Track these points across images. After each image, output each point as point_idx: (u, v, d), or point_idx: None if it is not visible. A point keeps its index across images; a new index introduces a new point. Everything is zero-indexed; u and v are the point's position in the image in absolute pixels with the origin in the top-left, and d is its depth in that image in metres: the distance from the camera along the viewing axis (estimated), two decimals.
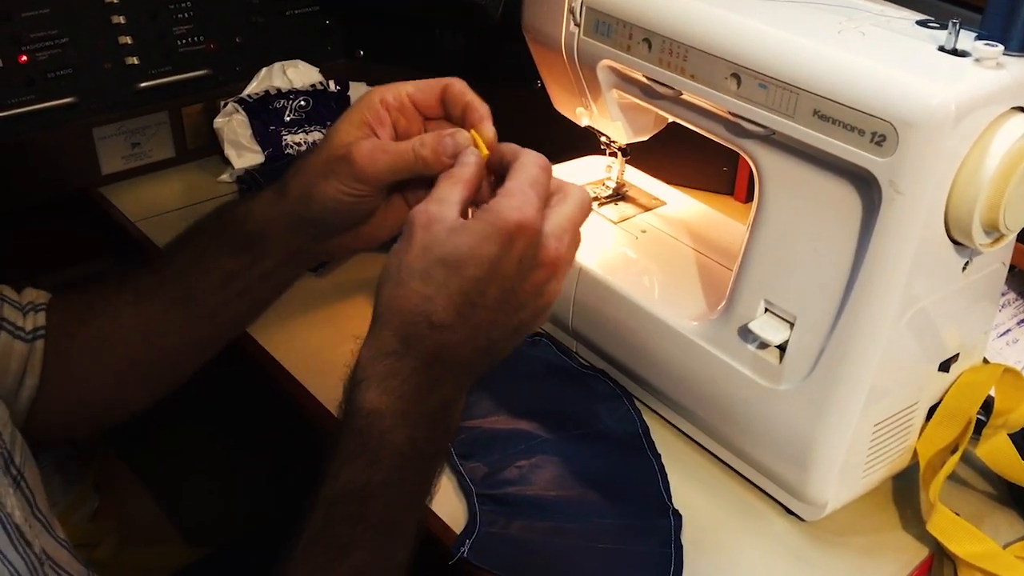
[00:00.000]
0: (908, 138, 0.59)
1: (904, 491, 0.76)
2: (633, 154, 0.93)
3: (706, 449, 0.79)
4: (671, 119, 0.81)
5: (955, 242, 0.65)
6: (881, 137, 0.60)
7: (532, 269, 0.51)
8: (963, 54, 0.62)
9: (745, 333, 0.72)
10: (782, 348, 0.70)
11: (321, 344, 0.88)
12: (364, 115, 0.61)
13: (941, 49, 0.63)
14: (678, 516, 0.71)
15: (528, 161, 0.54)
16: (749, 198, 1.14)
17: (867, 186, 0.63)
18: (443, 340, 0.51)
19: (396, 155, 0.59)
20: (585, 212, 0.54)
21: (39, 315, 0.67)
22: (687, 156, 1.11)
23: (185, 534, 1.20)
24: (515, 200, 0.50)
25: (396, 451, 0.51)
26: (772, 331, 0.70)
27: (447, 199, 0.52)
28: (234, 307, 0.68)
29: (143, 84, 1.10)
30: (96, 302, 0.69)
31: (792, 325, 0.70)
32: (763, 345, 0.71)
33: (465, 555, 0.67)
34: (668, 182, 0.99)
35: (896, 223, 0.62)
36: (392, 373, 0.51)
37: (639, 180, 0.98)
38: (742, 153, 0.72)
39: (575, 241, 0.54)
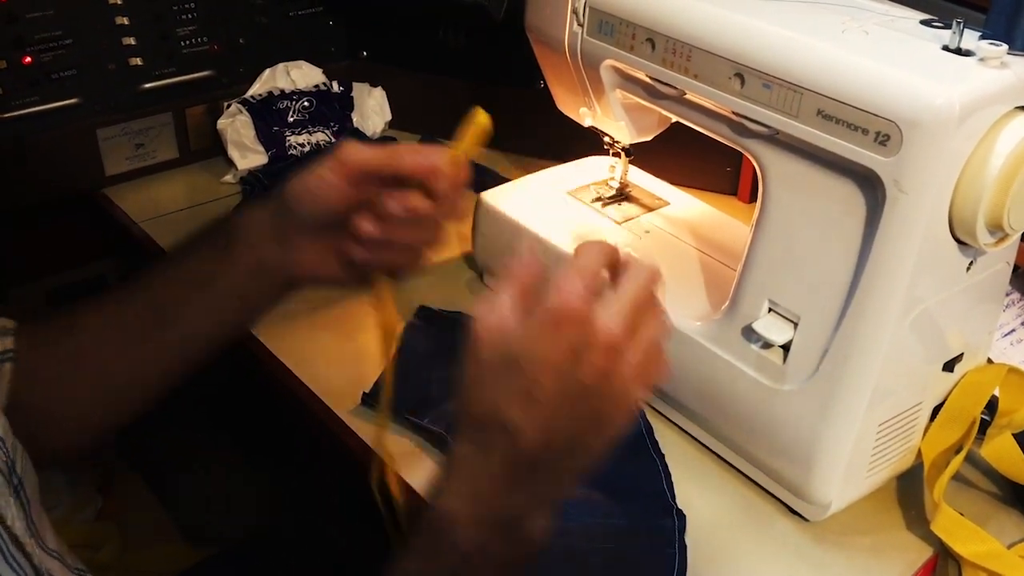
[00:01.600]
0: (912, 138, 0.59)
1: (908, 491, 0.76)
2: (636, 154, 0.93)
3: (709, 449, 0.79)
4: (674, 119, 0.81)
5: (959, 242, 0.64)
6: (885, 137, 0.60)
7: (586, 353, 0.49)
8: (967, 54, 0.62)
9: (749, 333, 0.72)
10: (786, 348, 0.70)
11: (326, 345, 0.89)
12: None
13: (945, 49, 0.63)
14: (682, 516, 0.71)
15: (578, 250, 0.53)
16: (752, 198, 1.14)
17: (871, 186, 0.63)
18: (514, 444, 0.49)
19: (377, 151, 0.63)
20: (647, 286, 0.52)
21: (7, 339, 0.67)
22: (690, 156, 1.10)
23: (188, 536, 1.20)
24: (557, 289, 0.49)
25: (463, 556, 0.51)
26: (776, 331, 0.70)
27: (499, 299, 0.51)
28: (205, 327, 0.69)
29: (147, 85, 1.10)
30: (71, 324, 0.69)
31: (796, 325, 0.70)
32: (767, 345, 0.71)
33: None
34: (671, 182, 0.99)
35: (900, 223, 0.62)
36: (466, 478, 0.51)
37: (642, 180, 0.98)
38: (746, 153, 0.72)
39: (640, 319, 0.51)
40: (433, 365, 0.84)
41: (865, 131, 0.61)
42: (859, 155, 0.62)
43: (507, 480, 0.50)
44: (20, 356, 0.66)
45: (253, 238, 0.66)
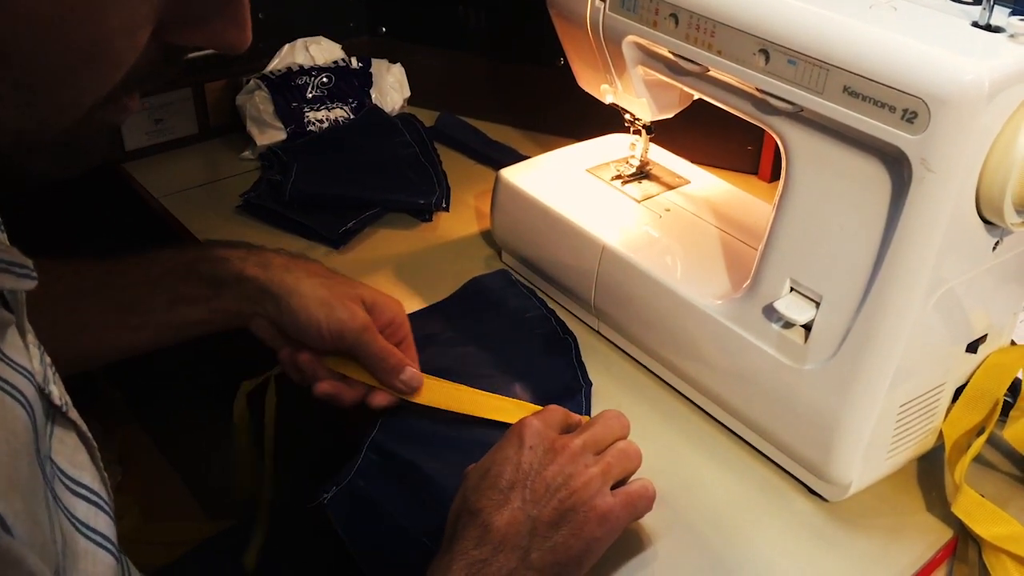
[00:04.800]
0: (940, 115, 0.58)
1: (929, 473, 0.75)
2: (657, 133, 0.93)
3: (728, 428, 0.79)
4: (697, 96, 0.80)
5: (986, 221, 0.64)
6: (912, 114, 0.59)
7: (547, 456, 0.63)
8: (997, 30, 0.61)
9: (770, 312, 0.72)
10: (807, 328, 0.70)
11: None
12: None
13: (975, 25, 0.62)
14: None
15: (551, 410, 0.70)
16: (774, 178, 1.13)
17: (897, 164, 0.62)
18: (481, 524, 0.60)
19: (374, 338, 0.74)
20: (608, 426, 0.67)
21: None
22: (711, 135, 1.10)
23: (207, 508, 1.21)
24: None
25: None
26: (798, 311, 0.70)
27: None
28: (169, 330, 0.75)
29: None
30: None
31: (818, 305, 0.69)
32: (788, 325, 0.71)
33: (326, 502, 0.69)
34: (692, 161, 0.98)
35: (926, 202, 0.61)
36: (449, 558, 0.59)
37: (663, 158, 0.97)
38: (769, 130, 0.71)
39: (604, 441, 0.66)
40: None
41: (892, 108, 0.60)
42: (885, 133, 0.61)
43: (480, 554, 0.59)
44: None
45: (245, 300, 0.74)
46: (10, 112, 0.37)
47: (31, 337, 0.48)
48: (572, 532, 0.60)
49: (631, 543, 0.68)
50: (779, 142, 0.70)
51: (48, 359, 0.49)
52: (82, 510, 0.47)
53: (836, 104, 0.63)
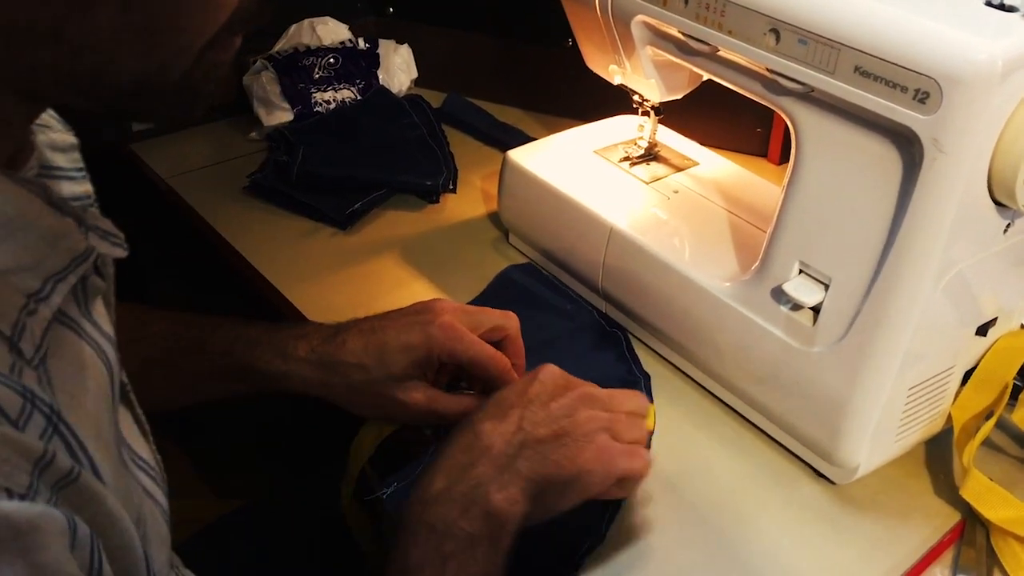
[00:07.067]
0: (952, 95, 0.57)
1: (936, 456, 0.75)
2: (665, 114, 0.92)
3: (734, 410, 0.78)
4: (706, 77, 0.79)
5: (997, 203, 0.63)
6: (924, 94, 0.59)
7: (556, 391, 0.64)
8: (1011, 9, 0.60)
9: (778, 295, 0.71)
10: (816, 310, 0.69)
11: (349, 302, 0.88)
12: (421, 361, 0.71)
13: (988, 4, 0.61)
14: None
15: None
16: (783, 160, 1.12)
17: (908, 145, 0.61)
18: (476, 435, 0.62)
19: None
20: (629, 396, 0.66)
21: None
22: (720, 117, 1.09)
23: (215, 487, 1.21)
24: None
25: (430, 528, 0.58)
26: (806, 293, 0.69)
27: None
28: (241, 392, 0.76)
29: None
30: (144, 323, 0.75)
31: (827, 287, 0.69)
32: (797, 307, 0.70)
33: (385, 497, 0.67)
34: (701, 143, 0.98)
35: (938, 183, 0.60)
36: (437, 465, 0.61)
37: (672, 140, 0.97)
38: (779, 111, 0.70)
39: (621, 405, 0.65)
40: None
41: (904, 88, 0.60)
42: (897, 113, 0.60)
43: (466, 459, 0.60)
44: None
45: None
46: (135, 59, 0.40)
47: (113, 313, 0.52)
48: (565, 455, 0.60)
49: (636, 524, 0.68)
50: (789, 123, 0.69)
51: None
52: (144, 480, 0.49)
53: (847, 84, 0.62)
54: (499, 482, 0.58)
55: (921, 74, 0.58)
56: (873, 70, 0.61)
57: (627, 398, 0.66)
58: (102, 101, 0.43)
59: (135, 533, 0.41)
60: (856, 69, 0.62)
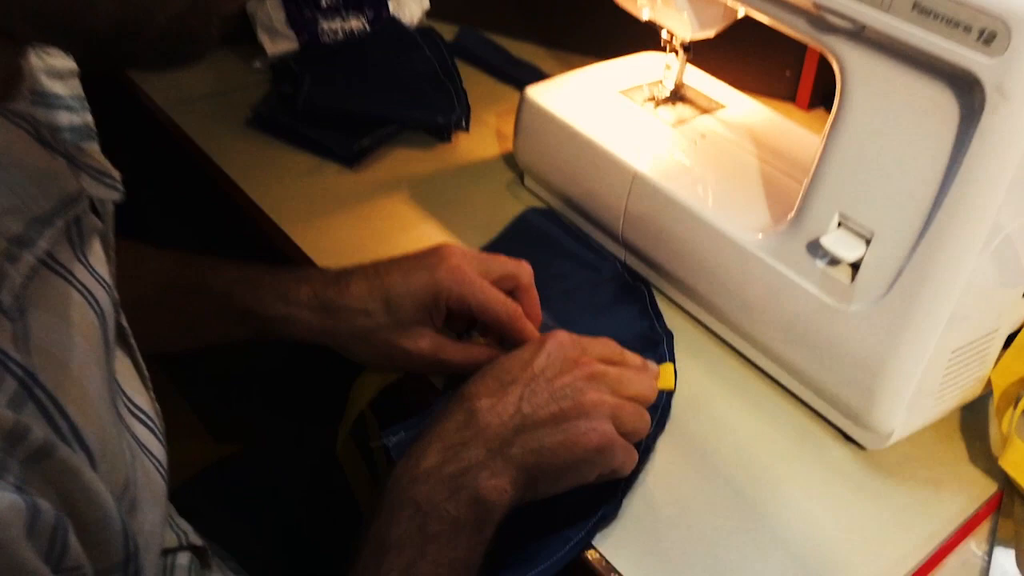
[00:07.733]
0: (1021, 37, 0.52)
1: (973, 423, 0.71)
2: (691, 56, 0.86)
3: (762, 370, 0.74)
4: (743, 11, 0.74)
5: None
6: (990, 35, 0.54)
7: (563, 366, 0.61)
8: None
9: (815, 248, 0.67)
10: (855, 266, 0.65)
11: (355, 243, 0.84)
12: (427, 306, 0.67)
13: None
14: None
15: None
16: (812, 105, 1.07)
17: (968, 91, 0.56)
18: (471, 410, 0.59)
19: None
20: (644, 378, 0.64)
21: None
22: (747, 59, 1.03)
23: (213, 432, 1.19)
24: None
25: (415, 504, 0.56)
26: (846, 247, 0.65)
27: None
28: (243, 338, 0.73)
29: None
30: (139, 259, 0.71)
31: (868, 242, 0.64)
32: (834, 262, 0.66)
33: (391, 446, 0.64)
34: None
35: (998, 133, 0.56)
36: (428, 438, 0.59)
37: (698, 81, 0.92)
38: (824, 51, 0.65)
39: (621, 376, 0.62)
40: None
41: (967, 28, 0.55)
42: (958, 55, 0.55)
43: (459, 438, 0.57)
44: None
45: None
46: (113, 1, 0.36)
47: (113, 254, 0.48)
48: (563, 442, 0.57)
49: (657, 487, 0.65)
50: (835, 64, 0.64)
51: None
52: (140, 432, 0.46)
53: (904, 22, 0.57)
54: (491, 469, 0.56)
55: (987, 13, 0.53)
56: (933, 6, 0.56)
57: (637, 379, 0.63)
58: (80, 46, 0.39)
59: (113, 505, 0.38)
60: (914, 5, 0.57)
